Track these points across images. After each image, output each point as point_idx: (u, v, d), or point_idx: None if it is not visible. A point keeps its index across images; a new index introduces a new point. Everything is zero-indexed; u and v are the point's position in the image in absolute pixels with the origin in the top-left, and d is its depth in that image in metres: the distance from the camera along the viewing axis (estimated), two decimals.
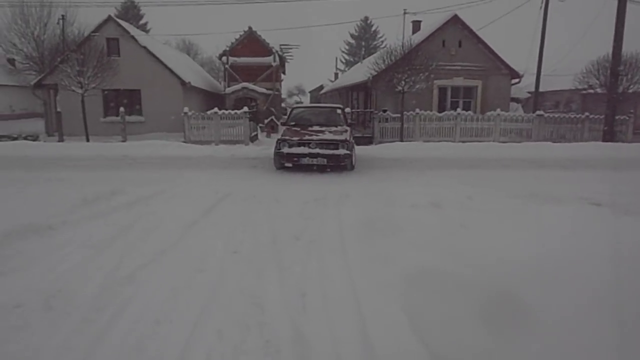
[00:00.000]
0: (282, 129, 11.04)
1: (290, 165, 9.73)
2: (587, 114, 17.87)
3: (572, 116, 18.12)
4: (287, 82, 41.02)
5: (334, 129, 10.48)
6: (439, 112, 17.87)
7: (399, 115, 16.95)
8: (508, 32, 32.71)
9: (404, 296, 3.42)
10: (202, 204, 6.27)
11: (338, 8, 44.77)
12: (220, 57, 25.90)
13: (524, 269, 3.62)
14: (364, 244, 4.35)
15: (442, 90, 19.59)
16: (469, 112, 17.86)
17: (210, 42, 54.23)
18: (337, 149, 9.39)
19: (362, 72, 24.99)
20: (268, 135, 20.00)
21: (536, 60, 22.56)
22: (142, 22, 47.42)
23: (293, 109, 12.53)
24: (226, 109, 17.59)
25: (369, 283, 3.59)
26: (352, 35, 61.02)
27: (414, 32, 24.78)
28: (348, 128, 10.83)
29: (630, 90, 17.17)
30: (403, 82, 16.15)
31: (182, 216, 5.54)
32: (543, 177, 8.90)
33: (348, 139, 9.72)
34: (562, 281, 3.42)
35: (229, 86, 24.03)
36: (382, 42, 57.59)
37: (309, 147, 9.43)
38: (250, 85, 23.21)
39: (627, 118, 17.97)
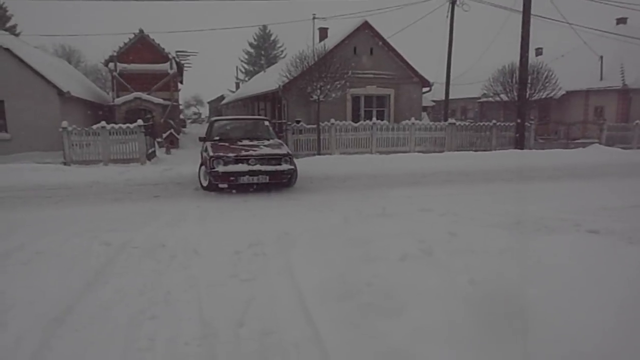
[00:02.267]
0: (203, 145, 9.69)
1: (225, 185, 8.61)
2: (494, 121, 18.16)
3: (481, 124, 18.33)
4: (183, 93, 37.86)
5: (267, 142, 9.56)
6: (354, 122, 17.06)
7: (314, 126, 15.74)
8: (418, 40, 33.41)
9: None
10: (83, 267, 4.21)
11: (235, 15, 42.81)
12: (106, 64, 22.69)
13: None
14: (351, 337, 2.80)
15: (356, 99, 18.81)
16: (384, 121, 17.25)
17: (95, 49, 48.69)
18: (280, 164, 8.66)
19: (266, 81, 23.55)
20: (168, 152, 17.57)
21: (442, 68, 22.85)
22: (9, 24, 40.99)
23: (214, 121, 11.01)
24: (116, 123, 15.00)
25: None
26: (250, 45, 59.23)
27: (320, 39, 23.87)
28: (281, 141, 9.89)
29: (533, 98, 17.75)
30: (318, 91, 14.99)
31: (47, 296, 3.50)
32: (496, 193, 8.05)
33: (290, 152, 9.05)
34: None
35: (118, 96, 21.00)
36: (282, 51, 56.75)
37: (249, 164, 8.46)
38: (144, 95, 20.43)
39: (529, 125, 18.59)
